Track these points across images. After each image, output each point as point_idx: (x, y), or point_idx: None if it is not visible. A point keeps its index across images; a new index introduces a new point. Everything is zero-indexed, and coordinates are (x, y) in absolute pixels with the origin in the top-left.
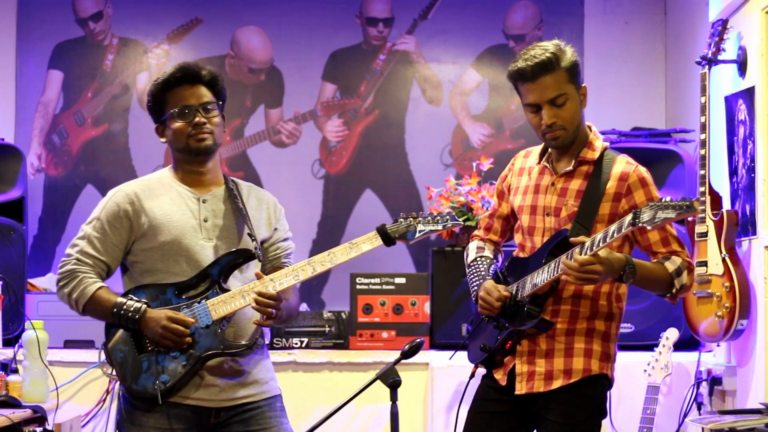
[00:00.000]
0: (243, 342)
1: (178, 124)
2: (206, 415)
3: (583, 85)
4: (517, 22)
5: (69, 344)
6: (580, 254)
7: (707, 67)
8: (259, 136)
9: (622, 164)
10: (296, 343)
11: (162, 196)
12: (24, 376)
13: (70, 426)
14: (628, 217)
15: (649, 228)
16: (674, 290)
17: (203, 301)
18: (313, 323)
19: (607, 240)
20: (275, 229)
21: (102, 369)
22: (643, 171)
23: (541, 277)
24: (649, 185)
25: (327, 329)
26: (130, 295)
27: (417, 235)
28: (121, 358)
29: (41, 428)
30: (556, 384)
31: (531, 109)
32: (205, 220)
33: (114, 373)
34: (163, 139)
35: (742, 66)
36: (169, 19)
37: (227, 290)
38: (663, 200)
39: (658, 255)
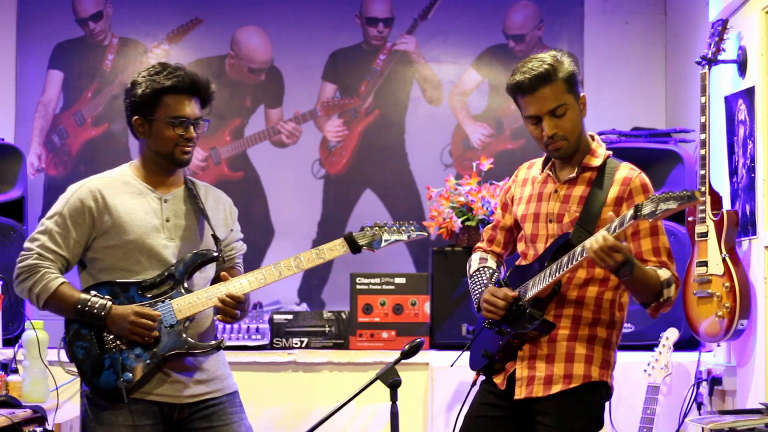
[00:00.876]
0: (209, 342)
1: (170, 132)
2: (170, 411)
3: (582, 94)
4: (517, 22)
5: None
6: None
7: (707, 67)
8: (259, 136)
9: (626, 170)
10: (296, 343)
11: (125, 194)
12: (24, 376)
13: (70, 426)
14: (630, 212)
15: (650, 221)
16: (661, 299)
17: (167, 300)
18: (313, 323)
19: (618, 228)
20: (231, 230)
21: (62, 366)
22: (645, 178)
23: (543, 280)
24: (650, 192)
25: (327, 329)
26: (93, 292)
27: (383, 244)
28: (82, 354)
29: (41, 428)
30: (556, 389)
31: (532, 121)
32: (167, 220)
33: (74, 368)
34: (142, 136)
35: (742, 66)
36: (169, 19)
37: (191, 290)
38: (664, 193)
39: (648, 264)
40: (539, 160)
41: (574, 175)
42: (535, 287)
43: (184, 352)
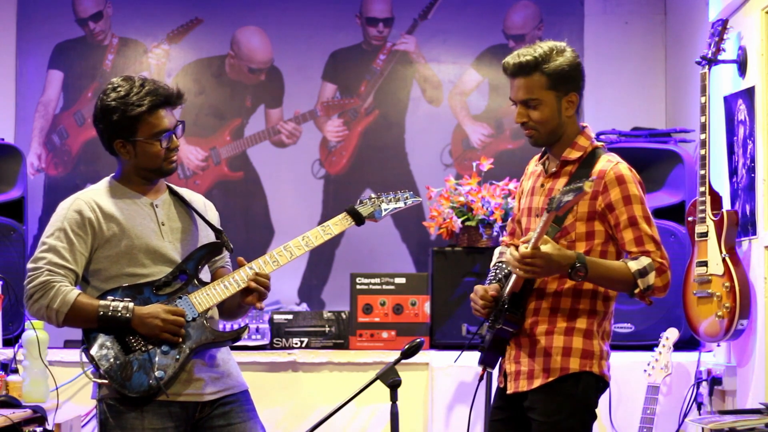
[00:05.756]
0: (231, 329)
1: (156, 148)
2: (192, 411)
3: (572, 93)
4: (517, 22)
5: (69, 344)
6: (526, 248)
7: (707, 67)
8: (259, 136)
9: (603, 162)
10: (296, 343)
11: (118, 203)
12: (24, 376)
13: (70, 426)
14: (547, 206)
15: (558, 213)
16: (638, 290)
17: (184, 295)
18: (313, 323)
19: (541, 228)
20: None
21: (87, 375)
22: (622, 168)
23: (513, 275)
24: (627, 183)
25: (327, 329)
26: (109, 297)
27: (383, 213)
28: (108, 361)
29: (41, 428)
30: (537, 383)
31: (511, 102)
32: (163, 224)
33: (101, 377)
34: (126, 157)
35: (742, 66)
36: (169, 19)
37: (205, 283)
38: (567, 186)
39: (631, 254)
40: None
41: (555, 169)
42: (509, 283)
43: (211, 342)
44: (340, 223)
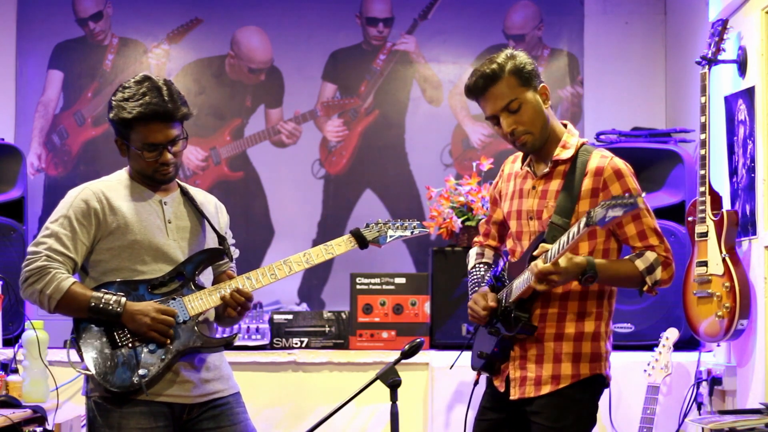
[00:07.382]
0: (220, 337)
1: (142, 160)
2: (180, 412)
3: (542, 85)
4: (517, 22)
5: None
6: (544, 262)
7: (707, 67)
8: (259, 136)
9: (597, 158)
10: (296, 343)
11: (126, 197)
12: (24, 376)
13: (70, 426)
14: (584, 218)
15: (600, 227)
16: (646, 287)
17: (179, 297)
18: (313, 323)
19: (569, 242)
20: (225, 232)
21: (73, 365)
22: (618, 163)
23: (521, 281)
24: (626, 177)
25: (327, 329)
26: (104, 290)
27: (388, 239)
28: (93, 353)
29: (41, 428)
30: (545, 389)
31: (493, 121)
32: (169, 222)
33: (86, 368)
34: (124, 155)
35: (742, 66)
36: (169, 19)
37: (202, 287)
38: (612, 199)
39: (635, 249)
40: (521, 154)
41: (547, 170)
42: (518, 289)
43: (199, 347)
44: (343, 244)
